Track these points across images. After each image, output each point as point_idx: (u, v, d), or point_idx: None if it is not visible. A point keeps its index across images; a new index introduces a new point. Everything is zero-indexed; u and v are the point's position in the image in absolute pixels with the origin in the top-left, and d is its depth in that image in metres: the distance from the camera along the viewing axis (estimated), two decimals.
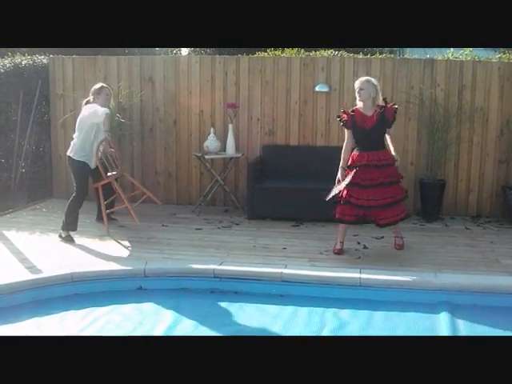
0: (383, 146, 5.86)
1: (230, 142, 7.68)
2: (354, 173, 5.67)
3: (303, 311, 4.72)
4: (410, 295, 4.93)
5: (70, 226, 6.36)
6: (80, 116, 6.49)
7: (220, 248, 6.07)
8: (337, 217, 5.91)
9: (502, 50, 8.69)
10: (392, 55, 8.06)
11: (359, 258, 5.81)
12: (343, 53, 8.19)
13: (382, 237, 6.54)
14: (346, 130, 5.88)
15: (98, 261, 5.59)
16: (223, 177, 7.82)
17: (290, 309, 4.77)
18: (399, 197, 5.87)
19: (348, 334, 4.31)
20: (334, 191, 5.76)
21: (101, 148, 6.41)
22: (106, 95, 6.59)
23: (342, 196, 5.82)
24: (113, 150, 6.58)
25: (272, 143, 7.94)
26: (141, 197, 6.91)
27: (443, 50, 8.44)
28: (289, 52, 8.44)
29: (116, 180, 6.72)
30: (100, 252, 5.93)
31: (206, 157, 7.62)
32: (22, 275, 5.12)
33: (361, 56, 7.95)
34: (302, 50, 8.43)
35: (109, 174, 6.59)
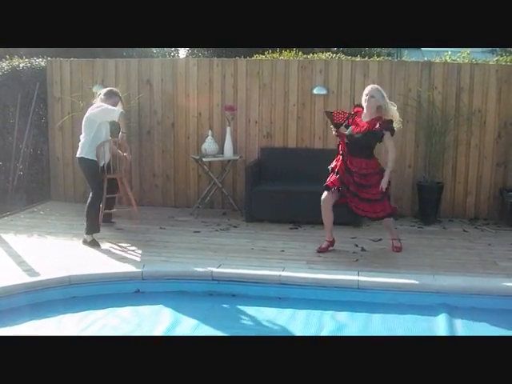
0: (367, 155, 5.88)
1: (227, 145, 7.68)
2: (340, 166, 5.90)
3: (301, 314, 4.72)
4: (408, 297, 4.93)
5: (92, 228, 6.26)
6: (87, 115, 6.39)
7: (218, 251, 6.06)
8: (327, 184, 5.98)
9: (499, 52, 8.71)
10: (390, 58, 8.05)
11: (357, 260, 5.81)
12: (341, 55, 8.19)
13: (380, 239, 6.54)
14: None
15: (95, 264, 5.58)
16: (221, 179, 7.81)
17: (288, 311, 4.76)
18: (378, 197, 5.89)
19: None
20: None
21: (107, 147, 6.43)
22: (117, 101, 6.56)
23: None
24: (120, 151, 6.61)
25: (270, 146, 7.94)
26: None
27: (441, 52, 8.46)
28: (287, 55, 8.44)
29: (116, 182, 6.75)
30: (97, 255, 5.92)
31: (204, 159, 7.61)
32: (19, 278, 5.11)
33: (358, 59, 7.96)
34: (300, 53, 8.43)
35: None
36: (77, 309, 4.79)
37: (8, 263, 5.61)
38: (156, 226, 7.08)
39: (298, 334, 4.36)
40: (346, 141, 5.88)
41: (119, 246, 6.25)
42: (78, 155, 6.46)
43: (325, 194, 5.98)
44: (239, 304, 4.93)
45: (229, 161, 7.81)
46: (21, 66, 8.52)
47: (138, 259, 5.70)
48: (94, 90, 7.96)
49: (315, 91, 7.75)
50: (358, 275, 5.18)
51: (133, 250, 6.08)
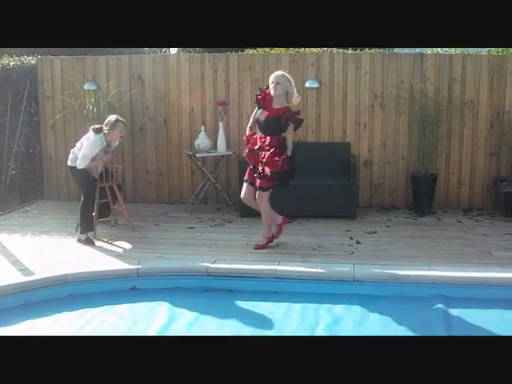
0: (273, 134, 5.80)
1: (220, 140, 7.67)
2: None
3: (297, 307, 4.72)
4: (404, 289, 4.93)
5: (85, 227, 6.28)
6: (82, 142, 6.44)
7: (213, 246, 6.06)
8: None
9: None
10: (381, 50, 8.05)
11: (352, 253, 5.81)
12: (332, 48, 8.18)
13: (375, 231, 6.55)
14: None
15: (90, 262, 5.56)
16: (215, 175, 7.80)
17: (284, 305, 4.76)
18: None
19: (342, 329, 4.31)
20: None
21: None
22: (121, 131, 6.53)
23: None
24: (118, 165, 6.62)
25: None
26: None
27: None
28: (278, 49, 8.42)
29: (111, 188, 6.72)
30: (93, 253, 5.91)
31: (197, 155, 7.60)
32: (14, 278, 5.09)
33: (350, 51, 7.95)
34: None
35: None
36: (73, 307, 4.78)
37: (2, 263, 5.58)
38: (150, 223, 7.07)
39: (294, 327, 4.36)
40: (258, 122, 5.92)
41: (114, 243, 6.24)
42: (68, 163, 6.46)
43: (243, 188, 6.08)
44: (235, 299, 4.93)
45: (222, 156, 7.79)
46: (11, 64, 8.47)
47: (133, 256, 5.68)
48: (86, 87, 7.93)
49: (307, 84, 7.73)
50: (354, 268, 5.19)
51: (128, 247, 6.07)
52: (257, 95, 6.00)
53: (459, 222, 7.07)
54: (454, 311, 4.57)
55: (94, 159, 6.34)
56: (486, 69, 7.47)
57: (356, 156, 7.65)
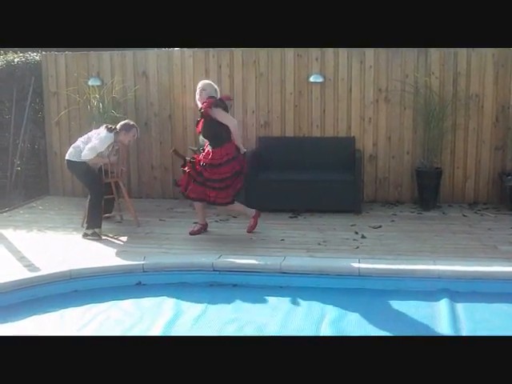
0: (219, 143, 6.06)
1: None
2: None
3: (303, 302, 4.72)
4: (409, 283, 4.93)
5: (92, 223, 6.26)
6: (88, 137, 6.48)
7: (218, 241, 6.06)
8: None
9: None
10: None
11: (357, 247, 5.81)
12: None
13: (380, 226, 6.55)
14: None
15: (96, 257, 5.58)
16: None
17: (289, 300, 4.76)
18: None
19: (347, 324, 4.31)
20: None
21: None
22: (134, 135, 6.68)
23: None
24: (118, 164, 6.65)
25: (268, 135, 7.93)
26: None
27: None
28: None
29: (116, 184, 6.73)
30: (98, 248, 5.92)
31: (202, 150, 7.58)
32: (20, 273, 5.11)
33: None
34: None
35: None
36: (79, 303, 4.79)
37: (8, 259, 5.60)
38: (155, 218, 7.08)
39: (299, 322, 4.36)
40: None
41: (119, 239, 6.26)
42: (66, 157, 6.45)
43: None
44: (240, 294, 4.94)
45: None
46: (15, 60, 8.49)
47: (139, 252, 5.69)
48: (90, 83, 7.94)
49: (312, 79, 7.72)
50: (359, 262, 5.18)
51: (133, 243, 6.08)
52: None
53: (464, 216, 7.06)
54: (459, 305, 4.56)
55: (100, 155, 6.35)
56: (491, 62, 7.44)
57: (361, 150, 7.64)
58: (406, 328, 4.24)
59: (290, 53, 7.80)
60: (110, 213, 6.90)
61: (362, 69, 7.66)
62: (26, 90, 8.34)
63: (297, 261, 5.33)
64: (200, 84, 6.21)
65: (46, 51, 8.48)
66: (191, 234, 6.32)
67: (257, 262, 5.30)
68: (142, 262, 5.30)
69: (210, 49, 8.08)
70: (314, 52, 7.75)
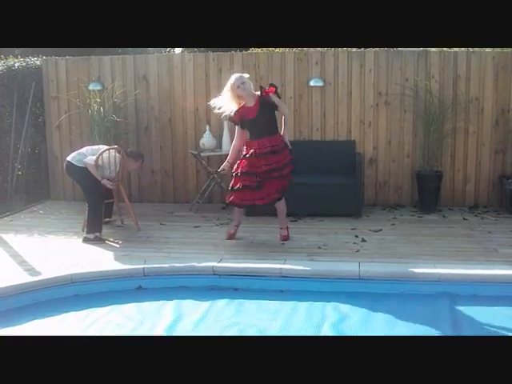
0: (273, 131, 5.98)
1: (225, 139, 7.67)
2: (243, 162, 5.96)
3: (303, 306, 4.71)
4: (410, 287, 4.93)
5: (92, 227, 6.25)
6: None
7: (218, 245, 6.07)
8: (232, 201, 6.07)
9: None
10: (385, 48, 8.03)
11: (358, 251, 5.81)
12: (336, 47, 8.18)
13: (380, 229, 6.55)
14: (236, 127, 6.12)
15: (96, 261, 5.58)
16: (220, 174, 7.79)
17: (290, 304, 4.76)
18: (273, 196, 6.02)
19: (348, 328, 4.31)
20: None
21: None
22: (138, 166, 6.93)
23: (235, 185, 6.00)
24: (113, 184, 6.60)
25: None
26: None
27: None
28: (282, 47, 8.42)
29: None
30: (98, 252, 5.92)
31: (202, 154, 7.61)
32: (21, 278, 5.11)
33: (354, 49, 7.94)
34: None
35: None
36: (79, 307, 4.79)
37: (9, 263, 5.61)
38: (156, 222, 7.08)
39: (300, 326, 4.36)
40: (249, 128, 6.00)
41: (120, 243, 6.26)
42: (73, 161, 6.39)
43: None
44: (241, 298, 4.93)
45: (227, 155, 7.77)
46: (16, 65, 8.50)
47: (139, 256, 5.69)
48: (91, 87, 7.95)
49: (312, 83, 7.74)
50: (360, 266, 5.18)
51: (133, 247, 6.08)
52: (230, 118, 6.16)
53: (465, 219, 7.06)
54: (459, 308, 4.56)
55: (101, 170, 6.37)
56: (491, 65, 7.45)
57: (361, 154, 7.65)
58: (406, 332, 4.24)
59: (290, 56, 7.81)
60: (110, 217, 6.91)
61: (362, 72, 7.68)
62: (27, 94, 8.35)
63: (298, 265, 5.33)
64: (237, 80, 5.91)
65: (46, 56, 8.49)
66: (230, 238, 6.20)
67: (257, 266, 5.30)
68: (143, 266, 5.30)
69: (210, 52, 8.10)
70: (314, 55, 7.76)
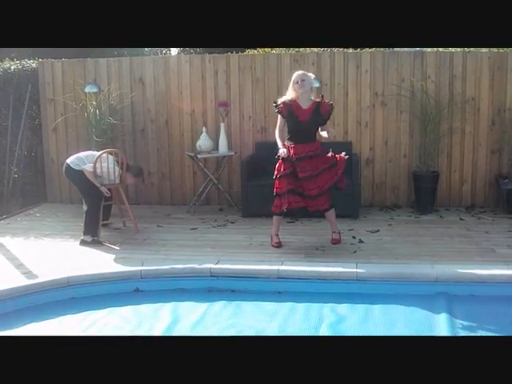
0: (315, 138, 5.95)
1: (222, 141, 7.67)
2: (293, 164, 5.80)
3: (301, 307, 4.72)
4: (407, 287, 4.93)
5: (89, 229, 6.25)
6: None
7: (216, 247, 6.06)
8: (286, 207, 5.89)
9: None
10: (382, 48, 8.05)
11: (355, 252, 5.81)
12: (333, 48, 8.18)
13: (378, 230, 6.55)
14: (279, 117, 5.93)
15: (93, 264, 5.57)
16: (217, 176, 7.80)
17: (287, 305, 4.76)
18: (325, 187, 5.91)
19: (346, 329, 4.32)
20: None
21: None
22: (135, 182, 7.10)
23: (281, 189, 5.88)
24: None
25: (264, 140, 7.92)
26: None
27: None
28: (278, 49, 8.42)
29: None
30: (95, 255, 5.91)
31: (199, 156, 7.61)
32: (18, 281, 5.10)
33: (351, 50, 7.95)
34: None
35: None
36: (77, 310, 4.78)
37: (6, 266, 5.60)
38: (153, 225, 7.07)
39: (298, 327, 4.36)
40: (293, 129, 5.88)
41: (117, 245, 6.25)
42: (67, 160, 6.42)
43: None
44: (239, 299, 4.93)
45: (224, 157, 7.79)
46: (12, 68, 8.49)
47: (137, 258, 5.69)
48: (87, 90, 7.93)
49: None
50: (357, 267, 5.19)
51: (131, 249, 6.07)
52: (277, 105, 5.95)
53: (462, 219, 7.07)
54: (457, 309, 4.56)
55: (99, 178, 6.37)
56: (487, 66, 7.46)
57: (358, 155, 7.65)
58: (404, 332, 4.24)
59: (286, 58, 7.82)
60: (108, 219, 6.90)
61: (359, 73, 7.68)
62: (23, 97, 8.34)
63: (295, 266, 5.32)
64: (298, 76, 5.84)
65: (42, 58, 8.48)
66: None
67: (255, 268, 5.30)
68: (140, 269, 5.30)
69: (207, 54, 8.09)
70: (310, 57, 7.77)
